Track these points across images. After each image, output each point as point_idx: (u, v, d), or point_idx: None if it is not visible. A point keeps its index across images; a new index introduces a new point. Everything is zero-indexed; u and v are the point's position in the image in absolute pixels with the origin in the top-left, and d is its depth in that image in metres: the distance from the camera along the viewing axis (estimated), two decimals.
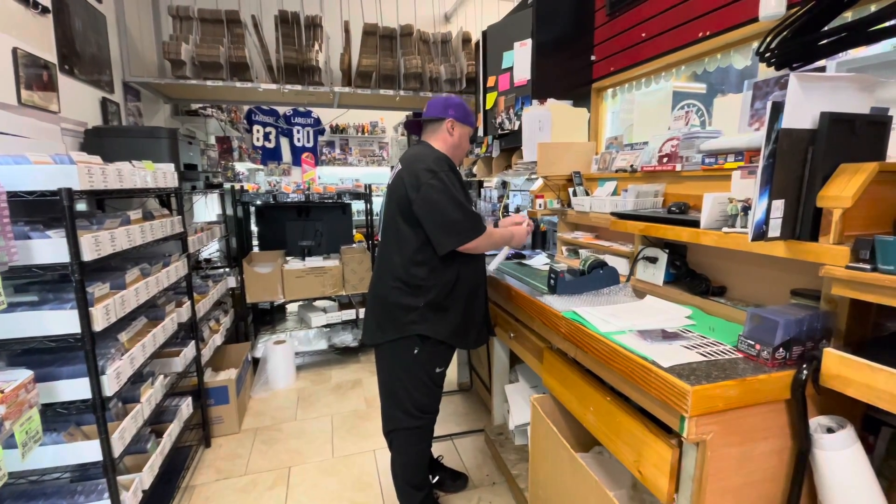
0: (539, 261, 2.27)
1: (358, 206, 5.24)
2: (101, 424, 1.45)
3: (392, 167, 1.85)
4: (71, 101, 2.29)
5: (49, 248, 1.36)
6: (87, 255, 1.40)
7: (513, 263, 2.29)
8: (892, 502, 0.97)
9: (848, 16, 1.23)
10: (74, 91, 2.35)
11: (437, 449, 2.27)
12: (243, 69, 3.16)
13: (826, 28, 1.17)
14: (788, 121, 0.95)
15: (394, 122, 6.47)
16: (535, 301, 1.61)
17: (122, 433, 1.55)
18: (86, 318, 1.40)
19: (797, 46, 1.19)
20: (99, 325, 1.43)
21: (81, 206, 2.22)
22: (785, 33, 1.21)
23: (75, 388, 1.43)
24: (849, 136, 0.96)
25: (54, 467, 1.48)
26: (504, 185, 3.48)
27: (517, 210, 3.24)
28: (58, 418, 1.55)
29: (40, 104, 2.02)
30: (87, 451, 1.46)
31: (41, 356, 1.51)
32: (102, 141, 2.34)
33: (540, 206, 2.41)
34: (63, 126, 2.18)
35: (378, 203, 4.93)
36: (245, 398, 2.90)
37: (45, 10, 2.09)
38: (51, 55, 2.14)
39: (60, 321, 1.39)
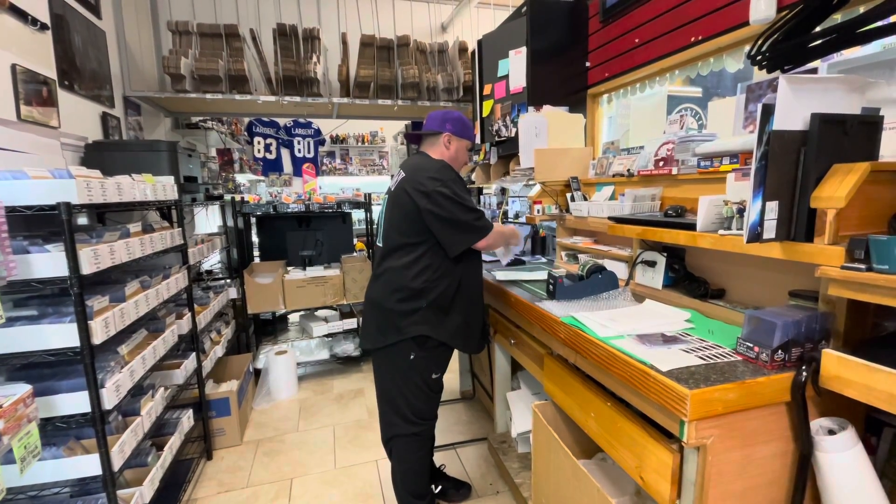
0: (538, 266, 2.27)
1: (358, 215, 5.26)
2: (100, 438, 1.45)
3: (392, 175, 1.88)
4: (71, 117, 2.31)
5: (48, 262, 1.36)
6: (86, 268, 1.40)
7: (512, 269, 2.28)
8: None
9: (837, 17, 1.23)
10: (74, 106, 2.37)
11: (439, 458, 2.26)
12: (242, 82, 3.19)
13: (816, 30, 1.18)
14: (780, 123, 0.95)
15: (393, 131, 6.51)
16: (535, 307, 1.61)
17: (122, 447, 1.54)
18: (85, 332, 1.40)
19: (788, 49, 1.20)
20: (98, 338, 1.43)
21: (83, 220, 2.24)
22: (776, 36, 1.22)
23: (74, 402, 1.43)
24: (840, 137, 0.96)
25: (54, 482, 1.47)
26: (503, 191, 3.49)
27: (516, 216, 3.25)
28: (57, 432, 1.54)
29: (40, 120, 2.04)
30: (87, 465, 1.45)
31: (40, 370, 1.51)
32: (102, 155, 2.36)
33: (538, 211, 2.41)
34: (63, 141, 2.20)
35: (378, 212, 4.94)
36: (247, 410, 2.89)
37: (44, 27, 2.12)
38: (50, 71, 2.16)
39: (59, 335, 1.39)
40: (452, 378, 3.06)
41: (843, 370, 0.89)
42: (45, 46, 2.15)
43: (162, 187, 2.05)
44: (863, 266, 0.86)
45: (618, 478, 1.48)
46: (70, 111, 2.31)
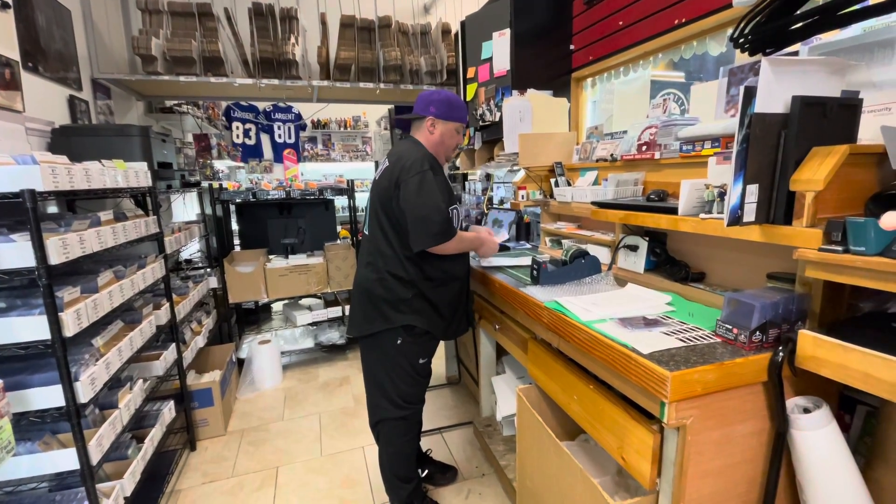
0: (523, 252, 2.27)
1: (341, 202, 5.18)
2: (76, 432, 1.41)
3: (377, 162, 1.84)
4: (36, 100, 2.20)
5: (14, 253, 1.31)
6: (55, 258, 1.35)
7: (497, 255, 2.28)
8: (867, 479, 0.99)
9: (819, 0, 1.23)
10: (39, 89, 2.26)
11: (426, 443, 2.27)
12: (217, 64, 3.08)
13: (798, 12, 1.17)
14: (761, 105, 0.95)
15: (376, 116, 6.40)
16: (519, 292, 1.61)
17: (100, 440, 1.51)
18: (55, 324, 1.35)
19: (770, 31, 1.20)
20: (70, 330, 1.38)
21: (52, 209, 2.15)
22: (758, 18, 1.21)
23: (48, 396, 1.39)
24: (820, 120, 0.96)
25: (30, 477, 1.43)
26: (488, 177, 3.47)
27: (501, 202, 3.24)
28: (32, 427, 1.50)
29: (3, 103, 1.94)
30: (63, 459, 1.42)
31: (11, 364, 1.46)
32: (70, 140, 2.26)
33: (523, 197, 2.40)
34: (28, 126, 2.10)
35: (362, 198, 4.88)
36: (230, 400, 2.86)
37: (5, 6, 2.01)
38: (13, 52, 2.05)
39: (29, 328, 1.34)
40: (438, 363, 3.06)
41: (818, 350, 0.91)
42: (6, 26, 2.03)
43: (134, 173, 1.98)
44: (840, 248, 0.87)
45: (600, 458, 1.51)
46: (35, 94, 2.20)
